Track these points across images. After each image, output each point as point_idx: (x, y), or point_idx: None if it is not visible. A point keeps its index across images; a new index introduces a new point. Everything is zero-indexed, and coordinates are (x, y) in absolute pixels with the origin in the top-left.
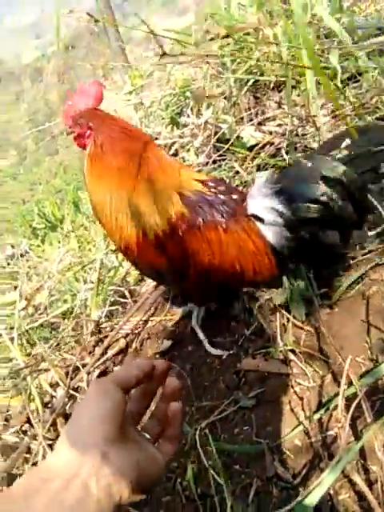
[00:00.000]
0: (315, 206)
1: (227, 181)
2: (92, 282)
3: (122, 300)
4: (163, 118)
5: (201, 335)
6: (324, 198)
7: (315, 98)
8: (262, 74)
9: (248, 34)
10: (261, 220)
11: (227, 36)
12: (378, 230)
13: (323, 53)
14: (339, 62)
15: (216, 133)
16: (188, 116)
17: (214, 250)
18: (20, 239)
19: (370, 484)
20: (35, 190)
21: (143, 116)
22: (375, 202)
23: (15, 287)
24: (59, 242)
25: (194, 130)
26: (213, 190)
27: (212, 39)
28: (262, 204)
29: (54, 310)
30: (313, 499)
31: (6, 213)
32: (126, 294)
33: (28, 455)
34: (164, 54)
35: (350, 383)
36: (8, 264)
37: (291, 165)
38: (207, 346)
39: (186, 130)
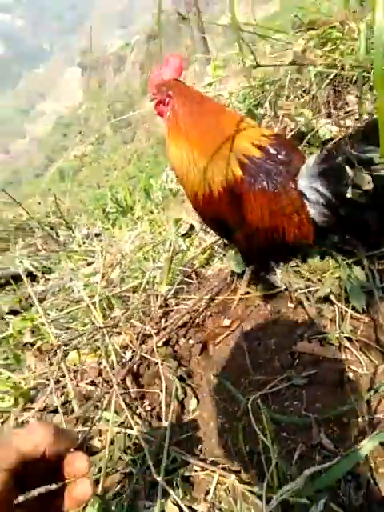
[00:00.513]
0: (352, 189)
1: None
2: (161, 262)
3: (188, 280)
4: (241, 110)
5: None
6: (360, 184)
7: None
8: (343, 69)
9: (333, 27)
10: (306, 197)
11: (312, 29)
12: None
13: None
14: None
15: (292, 127)
16: (265, 109)
17: (263, 214)
18: (94, 221)
19: None
20: (110, 175)
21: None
22: None
23: (89, 264)
24: (128, 227)
25: (269, 123)
26: (274, 155)
27: (298, 31)
28: (308, 183)
29: (125, 284)
30: (350, 463)
31: (83, 196)
32: (193, 275)
33: (99, 403)
34: (257, 66)
35: None
36: (84, 243)
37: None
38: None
39: (262, 122)
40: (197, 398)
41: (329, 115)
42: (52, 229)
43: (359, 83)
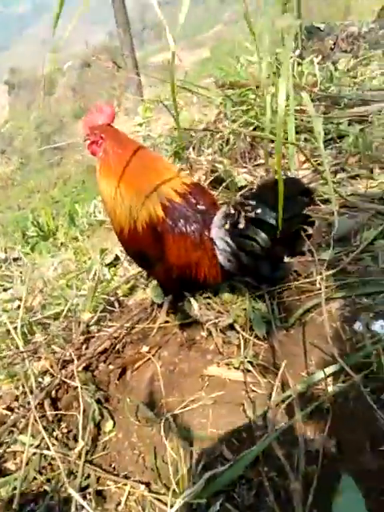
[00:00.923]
0: (250, 243)
1: None
2: (84, 290)
3: (111, 308)
4: (167, 151)
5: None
6: (258, 239)
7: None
8: (256, 127)
9: (250, 89)
10: (216, 245)
11: (232, 88)
12: (330, 272)
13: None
14: (324, 124)
15: (212, 171)
16: (189, 152)
17: (180, 253)
18: (13, 245)
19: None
20: (33, 198)
21: (150, 146)
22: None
23: (5, 290)
24: (49, 253)
25: (193, 166)
26: (193, 204)
27: (220, 87)
28: (217, 234)
29: (47, 311)
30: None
31: (1, 217)
32: (115, 304)
33: (14, 428)
34: (178, 129)
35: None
36: (0, 267)
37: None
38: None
39: (186, 164)
40: (113, 419)
41: (244, 165)
42: None
43: (265, 143)
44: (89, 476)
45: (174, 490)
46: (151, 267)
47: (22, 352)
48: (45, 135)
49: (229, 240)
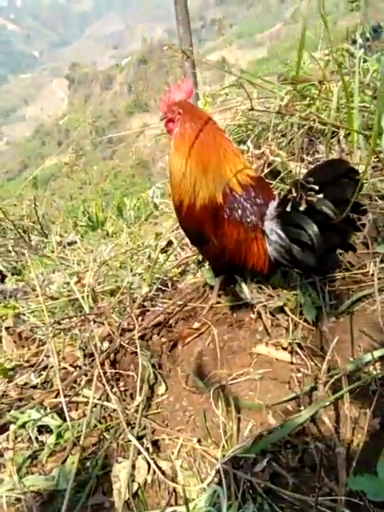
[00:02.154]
0: (303, 233)
1: None
2: (139, 271)
3: (164, 288)
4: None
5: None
6: (309, 230)
7: (360, 148)
8: (315, 122)
9: (313, 84)
10: (267, 236)
11: (293, 83)
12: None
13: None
14: None
15: (269, 164)
16: (247, 146)
17: (232, 239)
18: (64, 232)
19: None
20: (84, 189)
21: None
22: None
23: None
24: (97, 242)
25: (250, 159)
26: (253, 197)
27: (282, 83)
28: (269, 225)
29: (106, 286)
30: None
31: (55, 205)
32: (169, 283)
33: (75, 384)
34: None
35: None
36: (56, 249)
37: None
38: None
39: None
40: (166, 384)
41: (302, 159)
42: (25, 232)
43: (328, 136)
44: (145, 427)
45: (223, 446)
46: (203, 245)
47: (88, 314)
48: (100, 129)
49: (280, 231)
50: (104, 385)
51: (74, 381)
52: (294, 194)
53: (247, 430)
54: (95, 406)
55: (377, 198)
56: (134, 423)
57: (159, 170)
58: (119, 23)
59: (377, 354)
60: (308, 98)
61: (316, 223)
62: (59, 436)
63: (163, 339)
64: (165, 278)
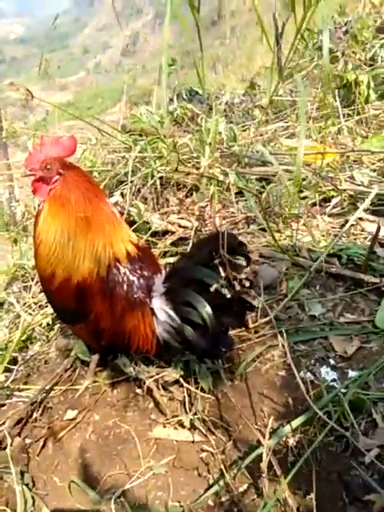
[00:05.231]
0: (191, 310)
1: None
2: None
3: (13, 367)
4: None
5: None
6: (201, 309)
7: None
8: (162, 177)
9: (158, 138)
10: (156, 315)
11: (140, 135)
12: (267, 318)
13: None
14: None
15: (121, 214)
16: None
17: (115, 317)
18: None
19: None
20: None
21: None
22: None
23: None
24: None
25: None
26: (140, 269)
27: (129, 132)
28: (159, 304)
29: None
30: None
31: None
32: (18, 359)
33: None
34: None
35: (250, 449)
36: None
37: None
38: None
39: None
40: (47, 507)
41: (154, 209)
42: None
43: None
44: None
45: None
46: (78, 323)
47: None
48: None
49: (169, 310)
50: None
51: None
52: (181, 266)
53: None
54: None
55: None
56: None
57: None
58: None
59: (295, 423)
60: (157, 151)
61: (207, 301)
62: None
63: (27, 440)
64: (14, 354)
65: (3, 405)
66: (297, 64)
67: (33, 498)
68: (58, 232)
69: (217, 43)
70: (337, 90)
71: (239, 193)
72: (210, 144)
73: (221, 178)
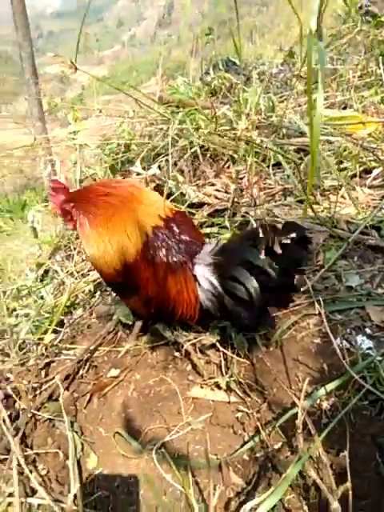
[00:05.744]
0: (240, 288)
1: None
2: (22, 312)
3: (60, 329)
4: (105, 162)
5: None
6: (248, 285)
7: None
8: (202, 146)
9: (196, 109)
10: (199, 283)
11: (177, 107)
12: (303, 288)
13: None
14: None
15: (158, 185)
16: (136, 166)
17: (158, 281)
18: None
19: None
20: None
21: (81, 157)
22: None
23: None
24: None
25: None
26: (177, 233)
27: (166, 103)
28: (202, 272)
29: None
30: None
31: None
32: (65, 322)
33: None
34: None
35: (284, 410)
36: None
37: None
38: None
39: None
40: (95, 454)
41: (190, 182)
42: None
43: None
44: None
45: None
46: (130, 298)
47: None
48: None
49: (214, 280)
50: (21, 473)
51: None
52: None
53: (215, 497)
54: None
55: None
56: None
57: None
58: None
59: (329, 386)
60: (194, 123)
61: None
62: None
63: (75, 394)
64: (62, 317)
65: (53, 362)
66: (338, 31)
67: (82, 444)
68: (96, 252)
69: (254, 11)
70: (381, 57)
71: (276, 164)
72: (248, 115)
73: (258, 141)
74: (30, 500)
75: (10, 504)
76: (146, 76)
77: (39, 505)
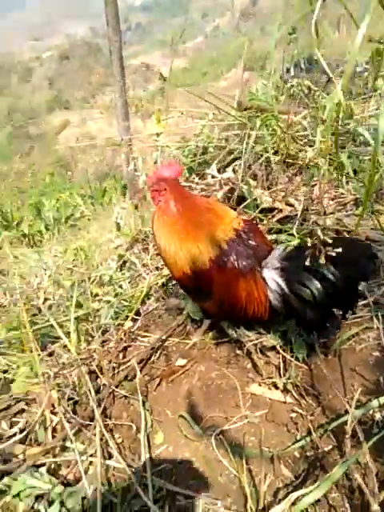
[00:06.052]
0: (305, 290)
1: None
2: (104, 298)
3: (137, 317)
4: (184, 164)
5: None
6: (312, 288)
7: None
8: (276, 152)
9: (273, 115)
10: (267, 284)
11: (256, 112)
12: (366, 301)
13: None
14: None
15: (231, 190)
16: (211, 169)
17: (230, 288)
18: None
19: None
20: None
21: (162, 158)
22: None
23: None
24: (11, 244)
25: (214, 183)
26: (246, 240)
27: (245, 109)
28: (271, 274)
29: (57, 313)
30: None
31: None
32: (141, 311)
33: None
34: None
35: (337, 416)
36: None
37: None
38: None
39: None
40: (162, 431)
41: (263, 187)
42: None
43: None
44: (160, 489)
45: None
46: (206, 302)
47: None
48: (16, 122)
49: (282, 282)
50: (101, 439)
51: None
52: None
53: (265, 485)
54: (91, 463)
55: (345, 233)
56: (146, 484)
57: (80, 171)
58: (41, 15)
59: (383, 399)
60: (270, 129)
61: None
62: (62, 504)
63: (146, 377)
64: (138, 307)
65: (130, 346)
66: None
67: (152, 421)
68: (167, 244)
69: None
70: None
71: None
72: (324, 122)
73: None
74: (108, 462)
75: (91, 463)
76: (226, 67)
77: (114, 467)
